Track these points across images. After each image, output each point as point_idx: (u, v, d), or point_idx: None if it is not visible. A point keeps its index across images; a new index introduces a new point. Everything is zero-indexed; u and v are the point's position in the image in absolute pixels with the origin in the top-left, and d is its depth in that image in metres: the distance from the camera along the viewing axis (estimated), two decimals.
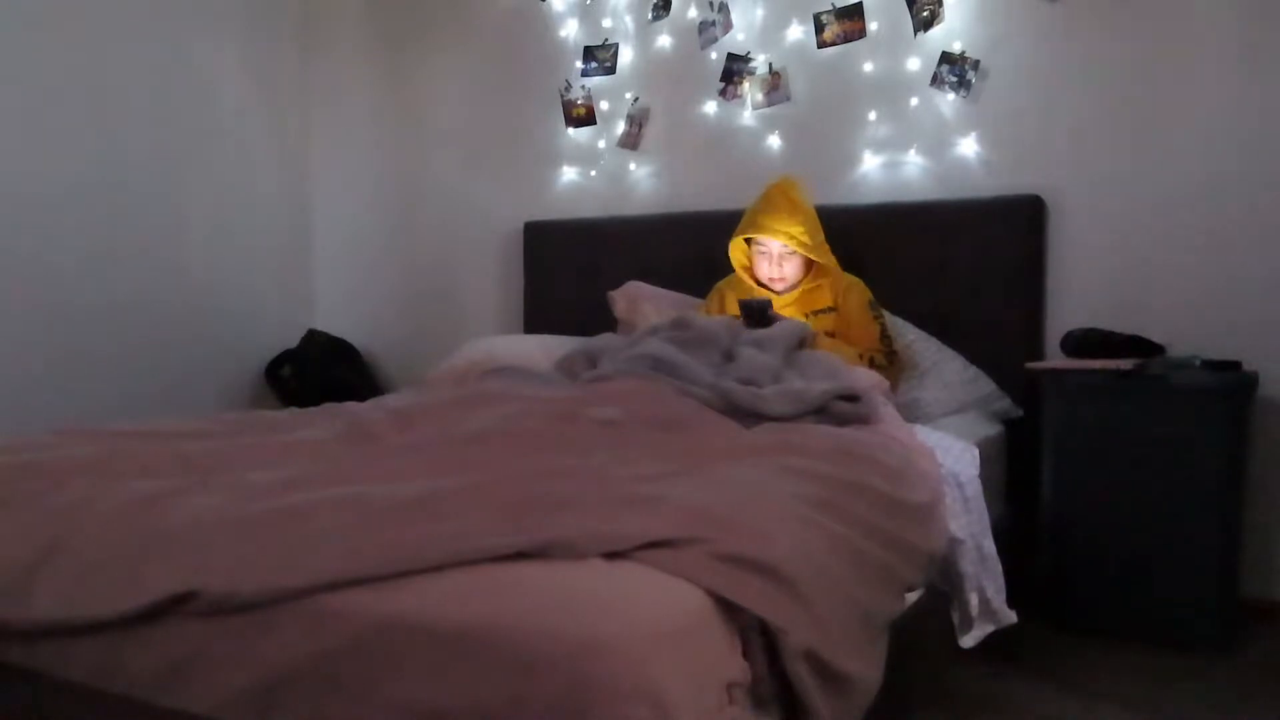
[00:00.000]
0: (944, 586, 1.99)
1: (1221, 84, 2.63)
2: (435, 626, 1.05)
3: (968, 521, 2.00)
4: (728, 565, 1.15)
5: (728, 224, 2.79)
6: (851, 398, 2.03)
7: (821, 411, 2.02)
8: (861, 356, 2.53)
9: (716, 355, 2.31)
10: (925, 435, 2.13)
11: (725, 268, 2.81)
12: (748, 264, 2.76)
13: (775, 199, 2.68)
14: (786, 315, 2.58)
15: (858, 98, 3.08)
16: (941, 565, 1.92)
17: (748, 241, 2.74)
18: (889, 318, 2.71)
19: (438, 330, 3.84)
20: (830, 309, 2.67)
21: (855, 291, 2.68)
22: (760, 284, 2.73)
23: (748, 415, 2.01)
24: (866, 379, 2.31)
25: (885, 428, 2.03)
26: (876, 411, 2.06)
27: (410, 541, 1.18)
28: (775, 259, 2.67)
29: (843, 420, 2.00)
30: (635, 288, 3.11)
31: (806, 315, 2.65)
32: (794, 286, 2.70)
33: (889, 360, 2.59)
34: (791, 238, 2.61)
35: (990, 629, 2.05)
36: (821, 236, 2.70)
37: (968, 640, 2.02)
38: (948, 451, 2.09)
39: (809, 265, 2.71)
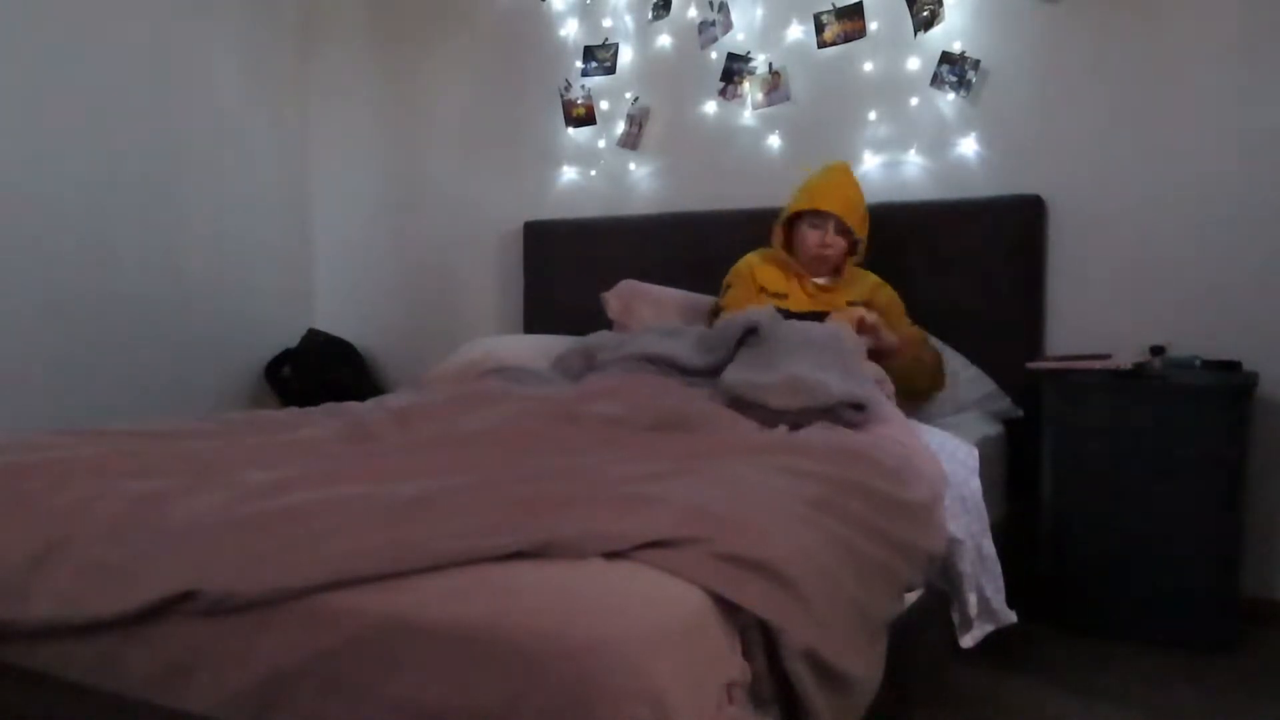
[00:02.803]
0: (944, 586, 1.99)
1: (1221, 84, 2.64)
2: (435, 626, 1.05)
3: (967, 521, 2.00)
4: (727, 565, 1.15)
5: (728, 224, 2.79)
6: (858, 406, 2.02)
7: (825, 411, 2.01)
8: (920, 359, 2.51)
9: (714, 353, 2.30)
10: (925, 435, 2.12)
11: (725, 267, 2.79)
12: (783, 244, 2.70)
13: (838, 178, 2.66)
14: (818, 309, 2.54)
15: (858, 98, 3.08)
16: (941, 565, 1.91)
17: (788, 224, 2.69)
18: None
19: (438, 330, 3.84)
20: (864, 302, 2.62)
21: (885, 290, 2.66)
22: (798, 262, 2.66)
23: (749, 407, 2.00)
24: (872, 372, 2.29)
25: (886, 428, 2.02)
26: (879, 412, 2.06)
27: (410, 541, 1.18)
28: (830, 230, 2.61)
29: (844, 421, 2.00)
30: (630, 286, 3.06)
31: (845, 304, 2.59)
32: (833, 271, 2.66)
33: (937, 373, 2.57)
34: (851, 210, 2.59)
35: (990, 629, 2.05)
36: (867, 230, 2.67)
37: (968, 640, 2.02)
38: (948, 452, 2.08)
39: (846, 258, 2.67)
